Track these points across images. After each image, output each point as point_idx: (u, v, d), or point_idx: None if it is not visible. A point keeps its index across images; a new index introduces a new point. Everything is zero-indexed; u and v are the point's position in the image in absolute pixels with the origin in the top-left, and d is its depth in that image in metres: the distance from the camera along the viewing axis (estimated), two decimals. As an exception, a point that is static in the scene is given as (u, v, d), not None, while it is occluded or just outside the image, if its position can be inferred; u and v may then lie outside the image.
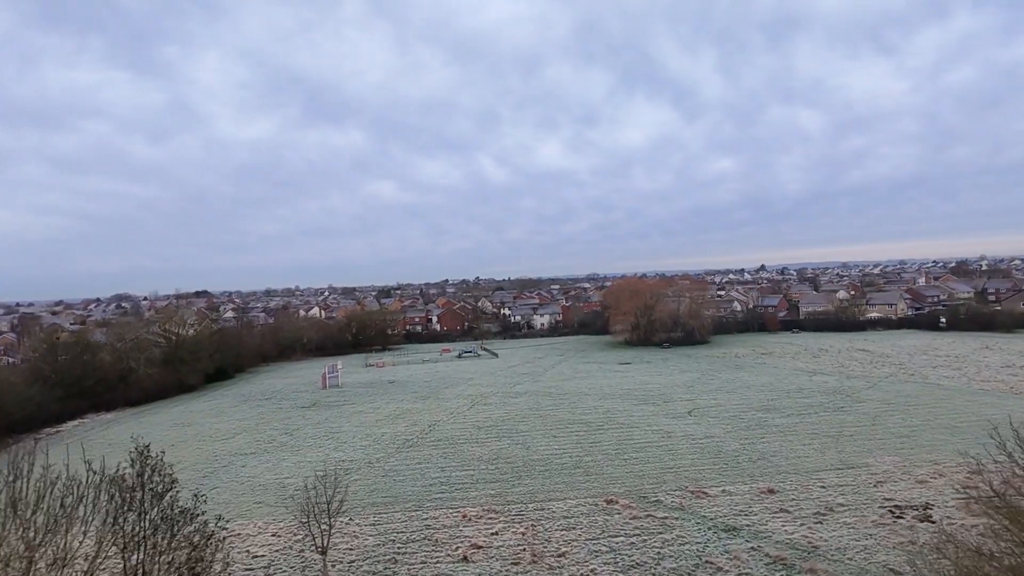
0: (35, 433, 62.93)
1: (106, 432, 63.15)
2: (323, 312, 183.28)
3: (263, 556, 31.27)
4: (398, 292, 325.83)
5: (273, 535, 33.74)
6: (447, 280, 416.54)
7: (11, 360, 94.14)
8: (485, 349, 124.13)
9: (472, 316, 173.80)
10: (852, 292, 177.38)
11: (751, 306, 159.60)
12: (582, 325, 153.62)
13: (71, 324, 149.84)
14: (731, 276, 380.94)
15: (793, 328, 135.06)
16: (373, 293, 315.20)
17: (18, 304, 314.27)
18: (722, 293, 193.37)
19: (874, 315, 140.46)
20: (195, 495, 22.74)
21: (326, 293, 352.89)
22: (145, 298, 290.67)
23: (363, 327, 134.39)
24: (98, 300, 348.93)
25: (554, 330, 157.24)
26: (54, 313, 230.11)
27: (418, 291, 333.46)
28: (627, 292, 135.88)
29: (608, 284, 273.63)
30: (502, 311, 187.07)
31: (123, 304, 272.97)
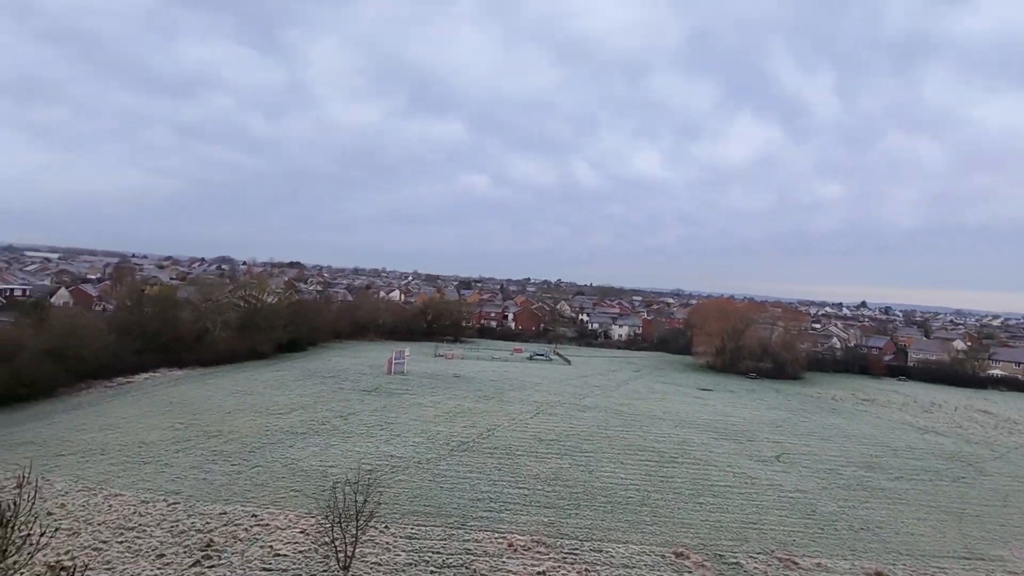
0: (107, 381, 64.07)
1: (171, 389, 63.41)
2: (403, 296, 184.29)
3: (285, 556, 28.26)
4: (479, 284, 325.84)
5: (302, 532, 30.78)
6: (529, 279, 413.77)
7: (107, 306, 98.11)
8: (558, 354, 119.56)
9: (549, 318, 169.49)
10: (969, 343, 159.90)
11: (852, 344, 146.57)
12: (662, 341, 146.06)
13: (171, 278, 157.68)
14: (827, 309, 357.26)
15: (900, 375, 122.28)
16: (455, 283, 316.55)
17: (133, 255, 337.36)
18: (817, 326, 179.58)
19: (997, 372, 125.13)
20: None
21: (410, 278, 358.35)
22: (244, 263, 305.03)
23: (439, 315, 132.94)
24: (203, 259, 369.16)
25: (632, 343, 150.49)
26: (161, 267, 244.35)
27: (499, 286, 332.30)
28: (715, 312, 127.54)
29: (693, 301, 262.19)
30: (580, 316, 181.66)
31: (223, 266, 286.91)
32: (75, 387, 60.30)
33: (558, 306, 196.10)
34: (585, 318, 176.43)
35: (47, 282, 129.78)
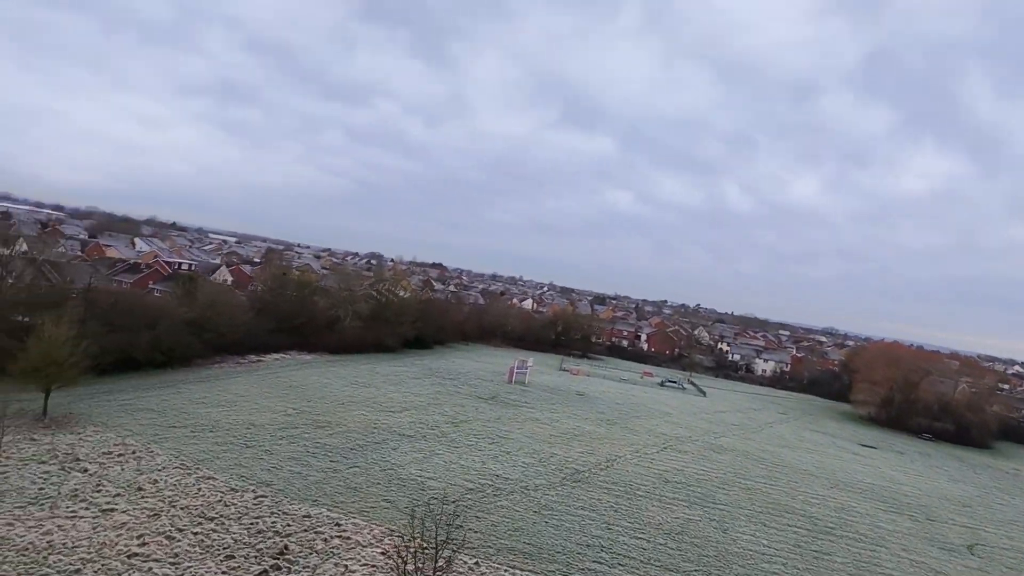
0: (240, 357, 65.91)
1: (295, 373, 63.87)
2: (535, 305, 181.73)
3: (357, 580, 24.60)
4: (613, 301, 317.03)
5: (382, 553, 27.11)
6: (666, 301, 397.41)
7: (260, 287, 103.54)
8: (692, 383, 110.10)
9: (685, 343, 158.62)
10: None
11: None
12: (813, 383, 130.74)
13: (322, 268, 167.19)
14: (1018, 368, 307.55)
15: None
16: (589, 298, 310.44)
17: (298, 244, 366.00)
18: (1006, 387, 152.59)
19: None
20: None
21: (545, 288, 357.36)
22: (391, 260, 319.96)
23: (568, 328, 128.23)
24: (356, 254, 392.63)
25: (777, 381, 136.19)
26: (317, 257, 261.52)
27: (634, 305, 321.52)
28: (882, 357, 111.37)
29: (850, 343, 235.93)
30: (719, 346, 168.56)
31: (372, 261, 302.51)
32: (210, 359, 62.40)
33: (695, 332, 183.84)
34: (725, 348, 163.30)
35: (218, 261, 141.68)
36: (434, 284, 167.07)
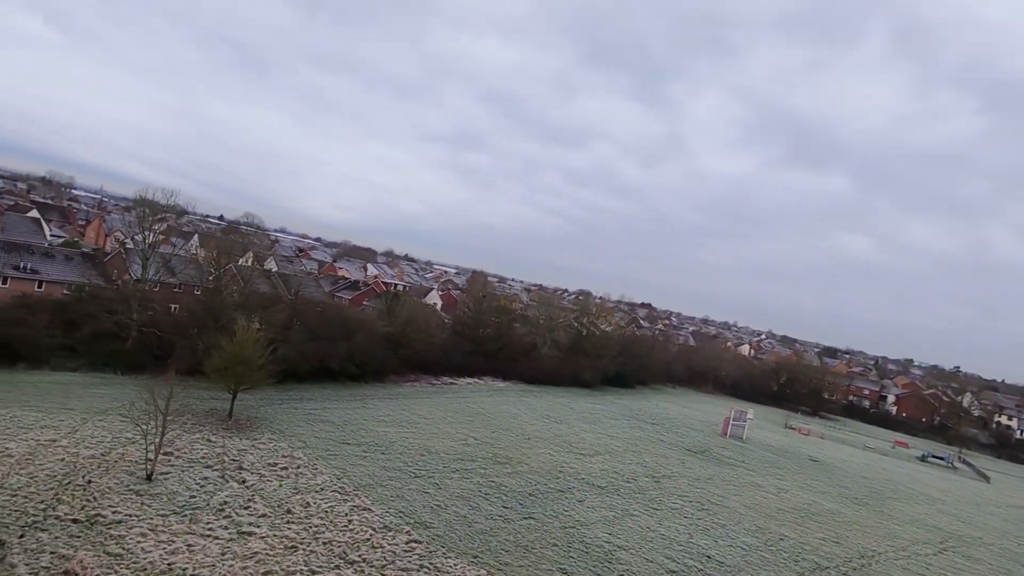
0: (433, 378, 63.91)
1: (484, 399, 59.92)
2: (753, 352, 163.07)
3: None
4: (846, 356, 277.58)
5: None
6: (911, 360, 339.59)
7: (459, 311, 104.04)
8: (965, 462, 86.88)
9: (947, 411, 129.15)
10: None
11: None
12: None
13: (529, 300, 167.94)
14: None
15: None
16: (816, 349, 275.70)
17: (512, 279, 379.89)
18: None
19: None
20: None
21: (763, 335, 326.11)
22: (599, 297, 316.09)
23: (794, 379, 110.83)
24: (566, 290, 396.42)
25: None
26: (527, 290, 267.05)
27: (872, 362, 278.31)
28: None
29: None
30: (997, 419, 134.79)
31: (580, 296, 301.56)
32: (404, 377, 61.06)
33: (959, 399, 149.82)
34: (1008, 422, 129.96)
35: (433, 285, 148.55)
36: (640, 322, 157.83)
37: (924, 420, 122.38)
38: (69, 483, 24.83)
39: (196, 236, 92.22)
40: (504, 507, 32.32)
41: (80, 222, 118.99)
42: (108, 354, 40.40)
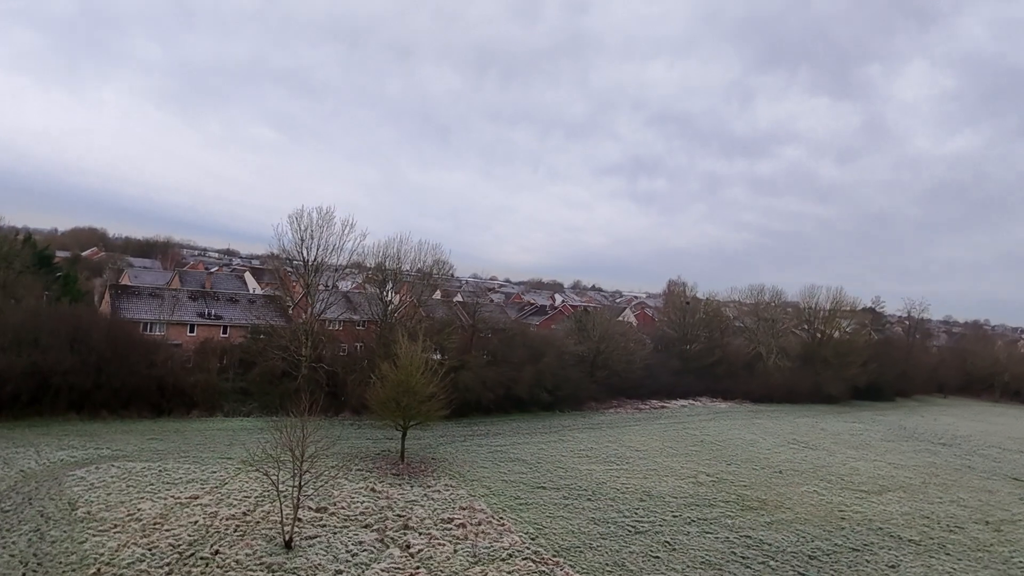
0: (640, 402, 53.87)
1: (708, 424, 48.42)
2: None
3: None
4: None
5: None
6: None
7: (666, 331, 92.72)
8: None
9: None
10: None
11: None
12: None
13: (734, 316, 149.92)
14: None
15: None
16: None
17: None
18: None
19: None
20: None
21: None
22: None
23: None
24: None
25: None
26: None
27: None
28: None
29: None
30: None
31: (789, 309, 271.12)
32: (605, 403, 51.80)
33: None
34: None
35: (626, 307, 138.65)
36: (868, 325, 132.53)
37: None
38: (192, 555, 19.20)
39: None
40: (777, 580, 21.46)
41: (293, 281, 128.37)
42: (280, 395, 36.87)
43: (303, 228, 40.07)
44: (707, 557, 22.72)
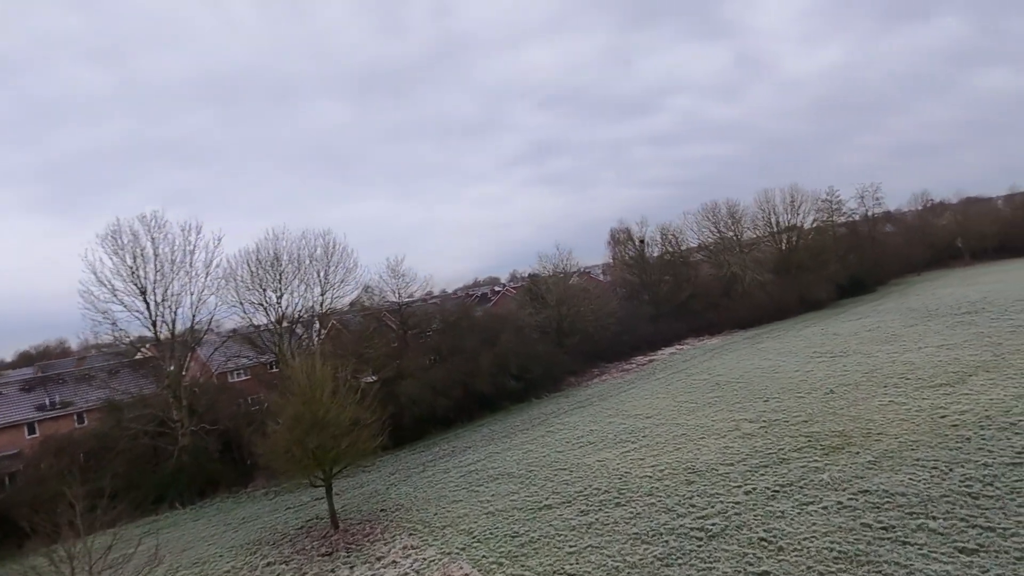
0: (624, 363, 45.36)
1: (711, 363, 40.27)
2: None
3: None
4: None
5: None
6: None
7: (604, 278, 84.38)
8: None
9: None
10: None
11: None
12: None
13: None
14: None
15: None
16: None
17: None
18: None
19: None
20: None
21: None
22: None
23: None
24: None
25: None
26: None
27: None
28: None
29: None
30: None
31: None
32: (586, 374, 43.09)
33: None
34: None
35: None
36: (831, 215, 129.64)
37: None
38: None
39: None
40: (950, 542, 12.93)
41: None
42: (157, 484, 26.27)
43: (126, 248, 29.18)
44: (841, 547, 13.96)
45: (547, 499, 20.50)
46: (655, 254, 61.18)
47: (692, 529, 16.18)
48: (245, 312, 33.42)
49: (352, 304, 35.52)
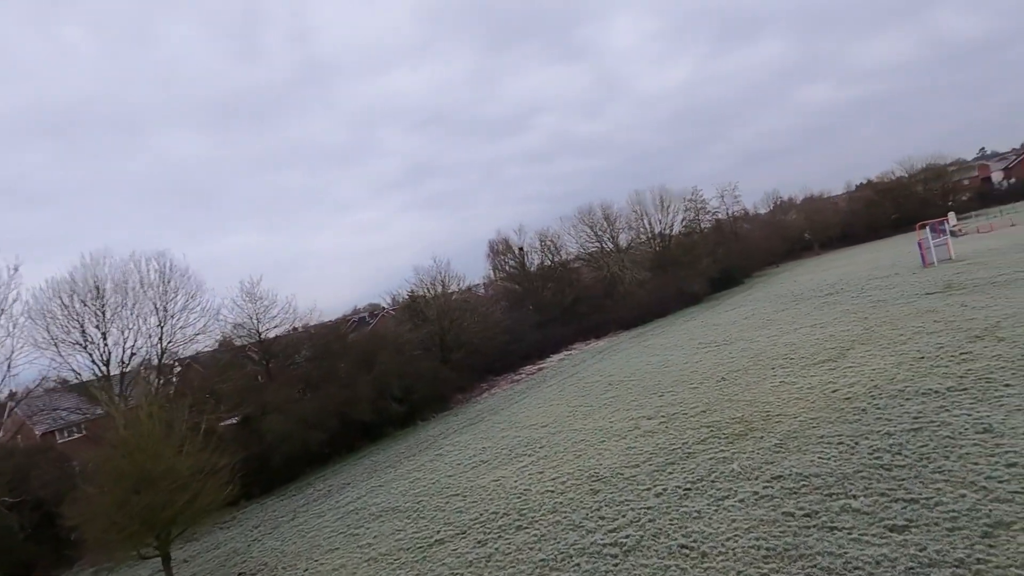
0: (512, 373, 43.51)
1: (602, 364, 39.33)
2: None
3: None
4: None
5: None
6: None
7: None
8: None
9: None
10: None
11: None
12: None
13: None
14: None
15: None
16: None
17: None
18: None
19: None
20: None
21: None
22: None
23: (904, 197, 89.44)
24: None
25: None
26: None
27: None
28: None
29: None
30: None
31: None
32: (475, 389, 40.75)
33: None
34: None
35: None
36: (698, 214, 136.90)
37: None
38: None
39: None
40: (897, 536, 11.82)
41: None
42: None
43: None
44: (768, 543, 12.47)
45: (438, 532, 17.77)
46: (535, 262, 60.35)
47: (605, 545, 14.15)
48: (60, 354, 27.72)
49: (198, 334, 30.84)
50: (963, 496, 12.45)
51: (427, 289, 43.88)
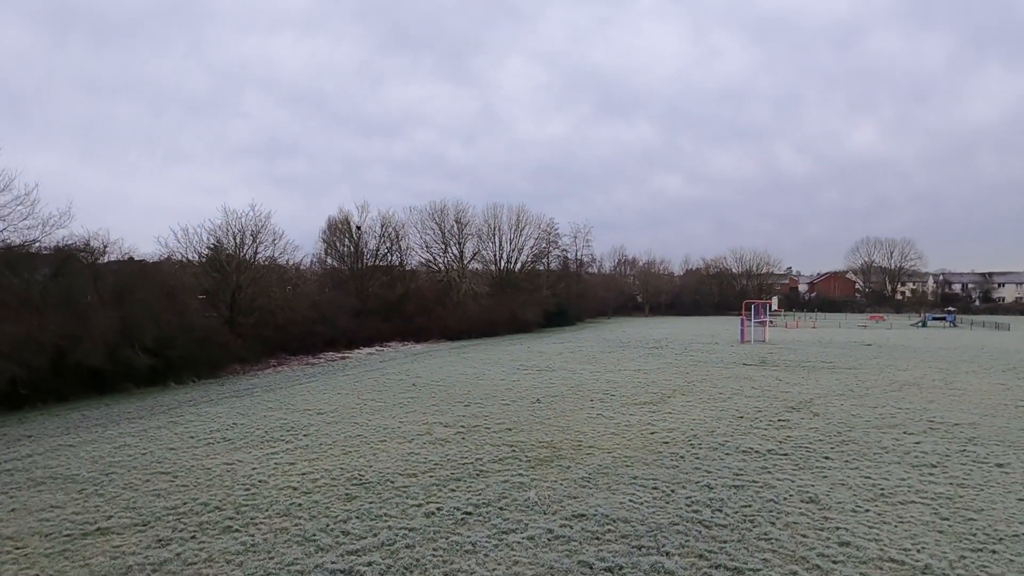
0: (310, 356, 37.84)
1: (411, 366, 35.09)
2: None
3: None
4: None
5: None
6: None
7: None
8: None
9: (877, 284, 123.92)
10: None
11: None
12: None
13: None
14: None
15: None
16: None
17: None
18: None
19: None
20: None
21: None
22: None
23: (727, 284, 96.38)
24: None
25: None
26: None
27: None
28: None
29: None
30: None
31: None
32: (260, 363, 34.49)
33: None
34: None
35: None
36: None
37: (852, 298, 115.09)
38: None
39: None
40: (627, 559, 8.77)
41: None
42: None
43: None
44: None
45: (109, 519, 12.29)
46: (372, 247, 55.08)
47: (331, 573, 9.81)
48: None
49: None
50: (794, 573, 9.87)
51: (234, 238, 36.99)
